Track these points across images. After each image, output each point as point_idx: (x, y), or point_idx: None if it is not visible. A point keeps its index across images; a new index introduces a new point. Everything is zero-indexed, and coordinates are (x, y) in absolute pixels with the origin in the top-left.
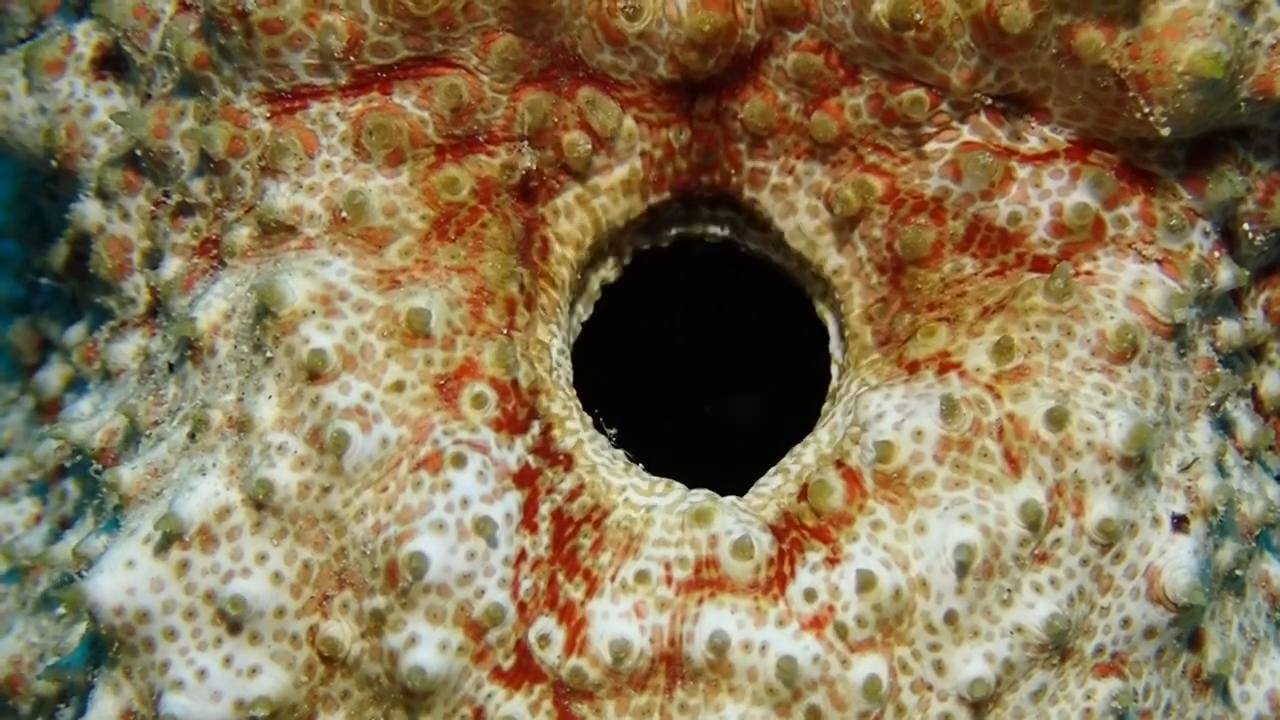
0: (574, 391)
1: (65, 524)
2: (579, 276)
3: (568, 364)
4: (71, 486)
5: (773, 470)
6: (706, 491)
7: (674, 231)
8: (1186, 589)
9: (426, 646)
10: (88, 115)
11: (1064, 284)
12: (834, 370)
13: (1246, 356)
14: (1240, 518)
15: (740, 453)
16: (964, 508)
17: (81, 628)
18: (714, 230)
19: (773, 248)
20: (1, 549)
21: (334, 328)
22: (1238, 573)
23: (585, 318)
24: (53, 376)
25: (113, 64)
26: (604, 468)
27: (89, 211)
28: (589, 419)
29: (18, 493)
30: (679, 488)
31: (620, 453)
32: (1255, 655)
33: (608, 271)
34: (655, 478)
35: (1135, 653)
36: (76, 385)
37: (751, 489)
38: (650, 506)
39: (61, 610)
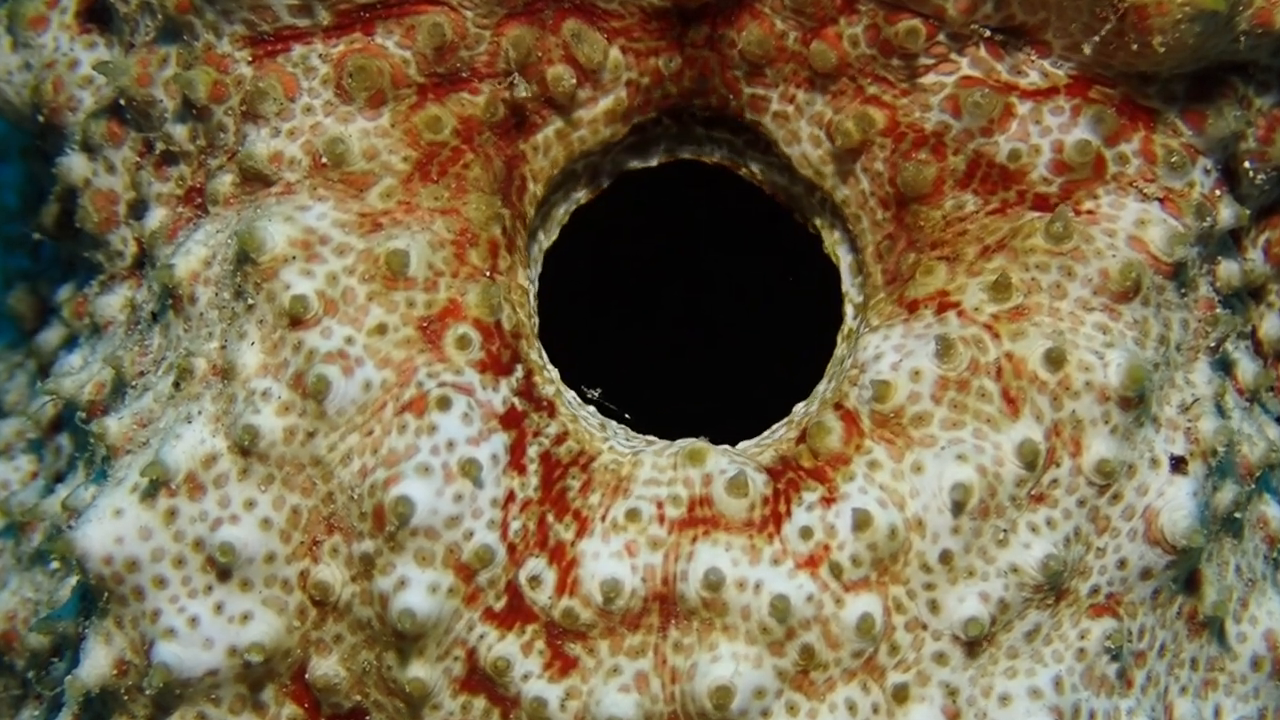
0: (540, 345)
1: (59, 479)
2: (543, 203)
3: (535, 314)
4: (65, 441)
5: (781, 421)
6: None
7: (664, 146)
8: (1185, 532)
9: (416, 589)
10: (73, 69)
11: (1063, 227)
12: (848, 310)
13: (1246, 298)
14: (1240, 459)
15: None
16: (961, 447)
17: (73, 580)
18: (710, 151)
19: (778, 172)
20: None
21: (315, 273)
22: (1236, 515)
23: (547, 245)
24: (52, 337)
25: (97, 16)
26: (584, 419)
27: (75, 165)
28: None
29: (15, 451)
30: (664, 441)
31: (592, 410)
32: (1252, 596)
33: (580, 194)
34: (637, 436)
35: (1131, 594)
36: (71, 344)
37: (755, 439)
38: (638, 451)
39: (55, 564)
